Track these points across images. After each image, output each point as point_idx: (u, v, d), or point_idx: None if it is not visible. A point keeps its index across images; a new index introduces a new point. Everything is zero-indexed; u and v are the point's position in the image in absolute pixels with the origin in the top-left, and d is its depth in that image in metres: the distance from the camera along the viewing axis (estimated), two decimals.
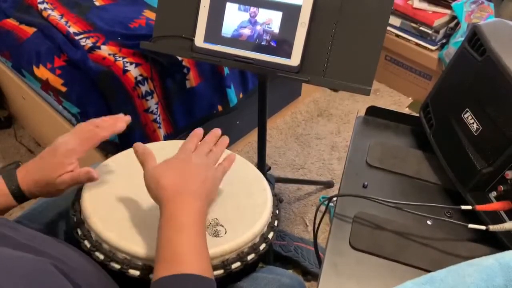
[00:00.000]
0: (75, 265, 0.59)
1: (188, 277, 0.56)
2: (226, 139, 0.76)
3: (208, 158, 0.70)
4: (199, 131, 0.75)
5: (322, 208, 0.84)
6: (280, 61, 0.95)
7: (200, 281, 0.56)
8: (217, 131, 0.75)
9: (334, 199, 0.77)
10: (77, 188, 0.79)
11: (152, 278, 0.57)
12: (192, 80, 1.36)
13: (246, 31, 0.97)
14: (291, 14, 0.93)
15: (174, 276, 0.55)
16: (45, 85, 1.30)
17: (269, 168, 1.44)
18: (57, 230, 0.82)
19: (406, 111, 2.00)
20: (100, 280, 0.65)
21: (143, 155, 0.69)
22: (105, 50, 1.27)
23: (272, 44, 0.95)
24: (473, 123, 0.74)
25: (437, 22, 1.84)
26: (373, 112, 0.95)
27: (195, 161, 0.68)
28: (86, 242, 0.71)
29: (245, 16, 0.96)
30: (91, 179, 0.73)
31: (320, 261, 0.88)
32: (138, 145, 0.70)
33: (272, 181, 1.46)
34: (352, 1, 0.91)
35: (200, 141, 0.74)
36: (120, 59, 1.24)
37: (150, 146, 0.92)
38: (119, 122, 0.76)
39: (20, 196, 0.70)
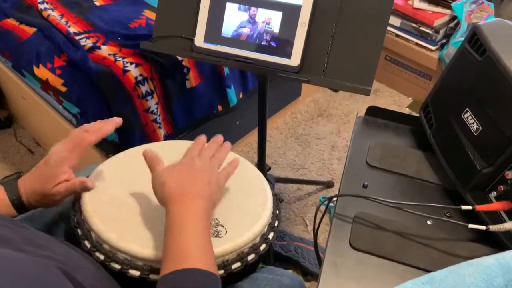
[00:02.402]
0: (77, 265, 0.60)
1: (193, 272, 0.57)
2: (228, 144, 0.78)
3: (211, 162, 0.72)
4: (202, 137, 0.77)
5: (322, 208, 0.84)
6: (280, 61, 0.95)
7: (204, 275, 0.58)
8: (219, 137, 0.78)
9: (334, 199, 0.77)
10: None
11: (159, 275, 0.59)
12: (192, 80, 1.36)
13: (246, 31, 0.97)
14: (291, 14, 0.93)
15: (179, 271, 0.57)
16: (45, 85, 1.30)
17: (269, 168, 1.44)
18: (57, 230, 0.82)
19: (406, 111, 2.00)
20: (102, 280, 0.65)
21: (152, 160, 0.72)
22: (105, 50, 1.27)
23: (272, 44, 0.95)
24: (473, 123, 0.74)
25: (437, 22, 1.84)
26: (373, 112, 0.95)
27: (199, 165, 0.70)
28: (86, 243, 0.71)
29: (245, 16, 0.96)
30: (85, 188, 0.73)
31: (320, 261, 0.88)
32: (147, 151, 0.73)
33: (272, 181, 1.46)
34: (352, 1, 0.91)
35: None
36: (120, 59, 1.24)
37: (150, 146, 0.92)
38: (107, 125, 0.76)
39: (20, 206, 0.71)
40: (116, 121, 0.78)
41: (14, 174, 0.73)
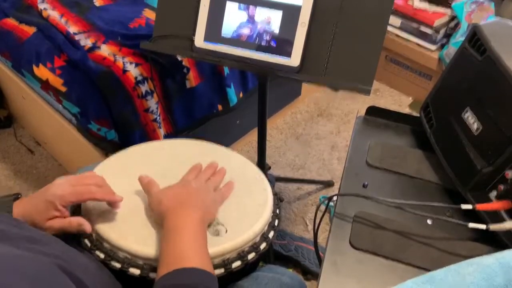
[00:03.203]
0: (78, 264, 0.60)
1: (190, 270, 0.59)
2: (223, 170, 0.82)
3: (207, 184, 0.76)
4: (198, 165, 0.81)
5: (322, 207, 0.84)
6: (280, 61, 0.95)
7: (200, 273, 0.59)
8: (214, 163, 0.83)
9: (334, 198, 0.77)
10: None
11: (156, 278, 0.60)
12: (192, 80, 1.36)
13: (246, 31, 0.97)
14: (291, 14, 0.93)
15: (176, 270, 0.58)
16: (45, 85, 1.30)
17: (269, 168, 1.44)
18: None
19: (406, 111, 2.01)
20: (103, 278, 0.65)
21: (148, 185, 0.75)
22: (105, 50, 1.27)
23: (272, 44, 0.95)
24: (473, 123, 0.74)
25: (437, 22, 1.84)
26: (373, 112, 0.95)
27: (195, 186, 0.74)
28: (86, 241, 0.71)
29: (246, 16, 0.96)
30: (82, 231, 0.69)
31: (320, 261, 0.88)
32: (143, 177, 0.76)
33: (272, 180, 1.46)
34: (352, 1, 0.91)
35: None
36: (120, 59, 1.24)
37: (150, 145, 0.92)
38: (115, 196, 0.72)
39: None
40: (120, 199, 0.74)
41: (12, 195, 0.70)
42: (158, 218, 0.71)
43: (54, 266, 0.50)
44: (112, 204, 0.73)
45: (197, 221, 0.67)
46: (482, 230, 0.67)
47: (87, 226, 0.69)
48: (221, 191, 0.79)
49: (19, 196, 0.71)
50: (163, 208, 0.69)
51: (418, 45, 1.93)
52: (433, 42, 1.88)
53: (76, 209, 0.75)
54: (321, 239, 1.39)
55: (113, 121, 1.25)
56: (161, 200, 0.71)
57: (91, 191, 0.70)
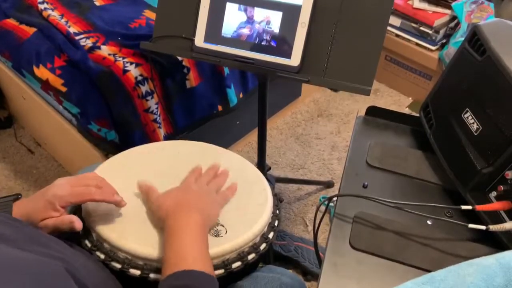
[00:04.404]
0: (79, 264, 0.60)
1: (191, 272, 0.59)
2: (226, 171, 0.82)
3: (208, 187, 0.77)
4: (198, 168, 0.81)
5: (322, 208, 0.84)
6: (280, 61, 0.95)
7: (201, 276, 0.60)
8: (215, 166, 0.82)
9: (334, 199, 0.77)
10: None
11: (160, 279, 0.61)
12: (192, 80, 1.36)
13: (246, 31, 0.97)
14: (291, 14, 0.93)
15: (178, 272, 0.59)
16: (45, 85, 1.30)
17: (269, 168, 1.44)
18: None
19: (406, 111, 2.00)
20: (103, 279, 0.65)
21: (147, 190, 0.75)
22: (105, 50, 1.27)
23: (272, 44, 0.95)
24: (473, 123, 0.74)
25: (437, 22, 1.84)
26: (373, 112, 0.95)
27: (195, 189, 0.75)
28: (87, 242, 0.71)
29: (245, 16, 0.96)
30: (73, 228, 0.68)
31: (320, 261, 0.88)
32: (142, 183, 0.76)
33: (272, 181, 1.46)
34: (352, 1, 0.91)
35: None
36: (120, 59, 1.24)
37: (150, 146, 0.92)
38: (117, 197, 0.72)
39: None
40: (123, 204, 0.73)
41: (12, 195, 0.70)
42: (159, 222, 0.71)
43: (56, 266, 0.50)
44: (116, 204, 0.72)
45: (197, 224, 0.67)
46: (482, 230, 0.67)
47: (77, 224, 0.68)
48: (223, 193, 0.78)
49: (19, 196, 0.71)
50: (163, 212, 0.69)
51: (418, 45, 1.93)
52: (433, 42, 1.88)
53: (77, 210, 0.75)
54: (321, 240, 1.39)
55: (113, 122, 1.25)
56: (161, 205, 0.71)
57: (90, 192, 0.69)
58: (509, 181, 0.67)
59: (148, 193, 0.75)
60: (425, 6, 1.89)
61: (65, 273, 0.50)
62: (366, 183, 0.80)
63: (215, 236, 0.72)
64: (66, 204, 0.68)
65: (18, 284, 0.44)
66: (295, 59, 0.94)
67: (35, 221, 0.67)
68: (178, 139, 0.96)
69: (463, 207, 0.70)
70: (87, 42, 1.29)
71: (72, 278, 0.50)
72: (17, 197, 0.70)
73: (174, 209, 0.69)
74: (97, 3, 1.49)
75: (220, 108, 1.48)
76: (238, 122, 1.67)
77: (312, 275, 1.36)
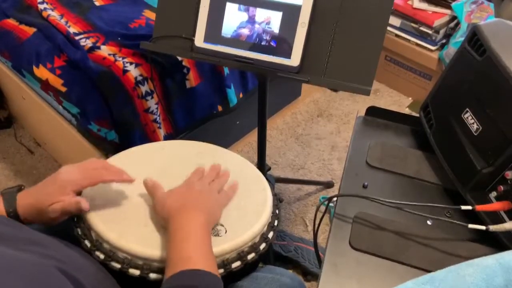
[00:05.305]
0: (77, 265, 0.60)
1: (196, 272, 0.59)
2: (228, 172, 0.82)
3: (210, 186, 0.77)
4: (200, 168, 0.82)
5: (322, 208, 0.84)
6: (280, 61, 0.95)
7: (207, 275, 0.60)
8: (217, 166, 0.83)
9: (334, 199, 0.77)
10: None
11: (164, 279, 0.61)
12: (192, 80, 1.36)
13: (246, 31, 0.97)
14: (291, 14, 0.93)
15: (183, 271, 0.59)
16: (45, 85, 1.30)
17: (269, 168, 1.44)
18: (57, 229, 0.82)
19: (406, 111, 2.00)
20: (102, 279, 0.65)
21: (153, 188, 0.75)
22: (105, 50, 1.27)
23: (272, 44, 0.95)
24: (473, 123, 0.74)
25: (437, 22, 1.84)
26: (373, 112, 0.95)
27: (198, 188, 0.75)
28: (86, 242, 0.71)
29: (245, 16, 0.96)
30: (80, 210, 0.71)
31: (320, 261, 0.88)
32: (147, 180, 0.76)
33: (272, 181, 1.46)
34: (352, 1, 0.91)
35: None
36: (120, 59, 1.24)
37: (150, 146, 0.92)
38: (126, 175, 0.75)
39: (16, 220, 0.69)
40: (131, 180, 0.76)
41: (16, 186, 0.72)
42: (162, 220, 0.71)
43: (53, 267, 0.50)
44: (126, 182, 0.74)
45: (201, 224, 0.67)
46: (482, 231, 0.67)
47: (84, 204, 0.70)
48: (225, 193, 0.79)
49: (23, 187, 0.72)
50: (167, 211, 0.69)
51: (418, 45, 1.93)
52: (433, 42, 1.88)
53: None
54: (321, 240, 1.39)
55: (113, 122, 1.25)
56: (165, 203, 0.71)
57: (102, 174, 0.72)
58: (509, 181, 0.67)
59: (154, 190, 0.74)
60: (425, 6, 1.89)
61: (60, 274, 0.50)
62: (366, 183, 0.80)
63: (215, 235, 0.72)
64: (77, 188, 0.70)
65: (12, 284, 0.44)
66: (295, 59, 0.94)
67: (43, 207, 0.68)
68: (178, 139, 0.96)
69: (463, 207, 0.70)
70: (87, 42, 1.29)
71: (69, 278, 0.50)
72: (20, 188, 0.72)
73: (177, 209, 0.69)
74: (97, 3, 1.49)
75: (220, 108, 1.48)
76: (238, 122, 1.67)
77: (312, 275, 1.36)
